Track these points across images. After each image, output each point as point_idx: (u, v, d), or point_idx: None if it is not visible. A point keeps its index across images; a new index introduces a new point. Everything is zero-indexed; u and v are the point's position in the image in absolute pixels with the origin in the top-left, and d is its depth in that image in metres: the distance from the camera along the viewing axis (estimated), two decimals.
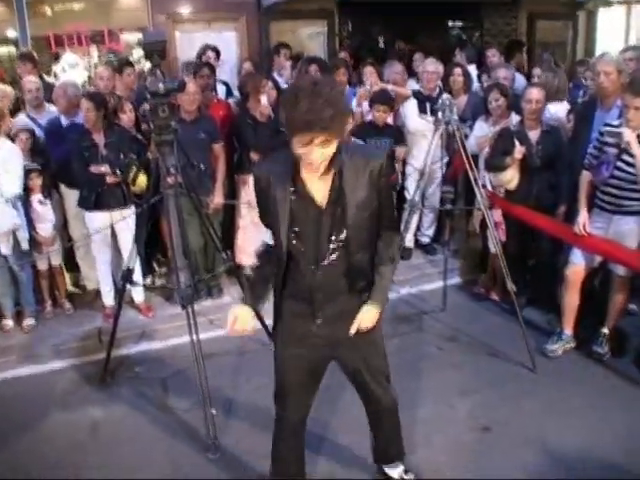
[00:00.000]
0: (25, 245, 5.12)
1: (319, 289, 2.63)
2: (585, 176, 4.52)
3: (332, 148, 2.36)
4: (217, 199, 5.44)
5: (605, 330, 4.60)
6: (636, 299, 5.12)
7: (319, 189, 2.51)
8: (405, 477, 3.34)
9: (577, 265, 4.58)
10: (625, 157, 4.17)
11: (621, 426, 3.85)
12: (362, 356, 2.89)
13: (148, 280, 5.85)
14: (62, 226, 5.52)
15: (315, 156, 2.32)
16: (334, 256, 2.58)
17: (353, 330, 2.68)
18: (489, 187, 5.28)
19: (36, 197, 5.14)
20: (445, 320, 5.26)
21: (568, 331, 4.71)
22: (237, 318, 2.70)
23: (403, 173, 6.26)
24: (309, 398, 2.98)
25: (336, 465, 3.56)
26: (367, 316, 2.70)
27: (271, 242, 2.70)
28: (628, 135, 4.08)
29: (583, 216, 4.46)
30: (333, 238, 2.55)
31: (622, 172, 4.21)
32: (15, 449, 3.85)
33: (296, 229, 2.55)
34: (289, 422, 3.00)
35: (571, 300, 4.65)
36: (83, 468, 3.67)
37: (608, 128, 4.29)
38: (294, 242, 2.57)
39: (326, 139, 2.28)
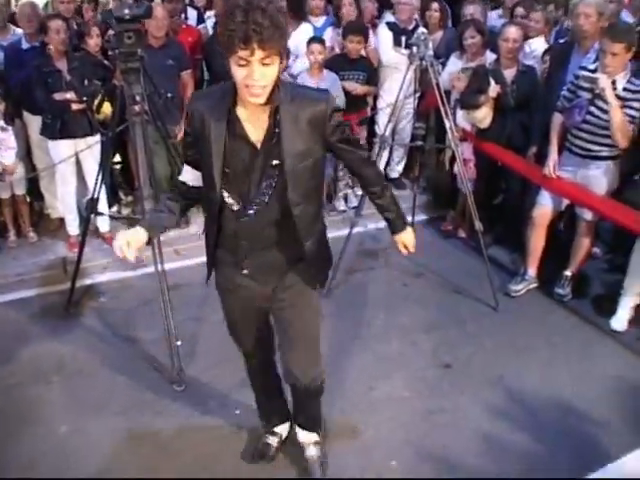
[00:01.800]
0: None
1: (244, 237, 2.45)
2: (557, 118, 4.51)
3: (273, 70, 2.12)
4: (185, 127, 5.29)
5: (568, 272, 4.68)
6: (599, 243, 5.21)
7: (255, 127, 2.29)
8: (309, 451, 3.14)
9: (544, 207, 4.61)
10: (598, 103, 4.15)
11: (577, 365, 3.97)
12: (296, 317, 2.67)
13: (114, 209, 5.76)
14: (25, 154, 5.37)
15: (256, 76, 2.08)
16: (262, 203, 2.37)
17: (405, 250, 2.87)
18: (460, 124, 5.25)
19: None
20: (412, 256, 5.13)
21: (532, 272, 4.78)
22: (129, 242, 2.43)
23: (374, 107, 6.18)
24: (264, 342, 2.88)
25: None
26: (409, 237, 2.84)
27: (191, 182, 2.53)
28: (603, 82, 4.04)
29: (553, 158, 4.47)
30: (264, 184, 2.34)
31: (594, 117, 4.20)
32: None
33: (227, 170, 2.34)
34: (251, 363, 2.99)
35: (536, 241, 4.70)
36: (47, 401, 3.66)
37: (584, 72, 4.24)
38: (224, 184, 2.37)
39: (266, 55, 2.05)
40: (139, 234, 2.47)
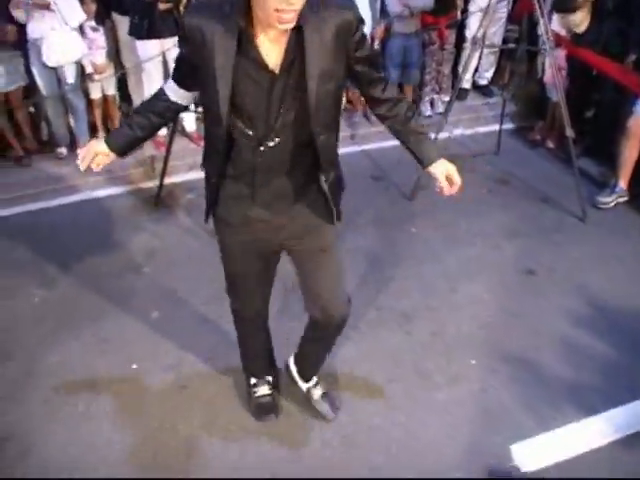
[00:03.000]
0: (90, 69, 5.13)
1: (261, 168, 2.15)
2: None
3: None
4: None
5: None
6: None
7: (273, 49, 1.94)
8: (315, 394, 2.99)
9: None
10: None
11: None
12: (315, 247, 2.42)
13: (200, 109, 5.80)
14: (115, 55, 5.45)
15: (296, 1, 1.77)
16: (282, 136, 2.08)
17: (448, 186, 2.23)
18: (555, 29, 5.02)
19: (89, 24, 5.03)
20: (498, 163, 5.23)
21: (622, 184, 4.63)
22: (85, 155, 2.35)
23: (464, 11, 5.96)
24: (263, 291, 2.64)
25: None
26: (452, 167, 2.25)
27: (173, 98, 2.26)
28: None
29: None
30: (282, 111, 2.03)
31: None
32: (76, 272, 3.98)
33: (239, 99, 2.00)
34: (244, 316, 2.75)
35: (630, 153, 4.53)
36: (139, 289, 3.83)
37: None
38: (234, 116, 2.04)
39: None
40: (98, 146, 2.34)
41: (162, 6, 4.83)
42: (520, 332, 3.47)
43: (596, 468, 2.73)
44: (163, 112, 2.30)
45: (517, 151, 5.49)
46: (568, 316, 3.58)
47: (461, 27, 5.99)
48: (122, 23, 5.26)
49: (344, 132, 5.54)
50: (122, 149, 2.36)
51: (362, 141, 5.51)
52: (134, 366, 3.26)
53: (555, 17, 5.04)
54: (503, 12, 5.42)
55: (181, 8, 4.85)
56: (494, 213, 4.54)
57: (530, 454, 2.80)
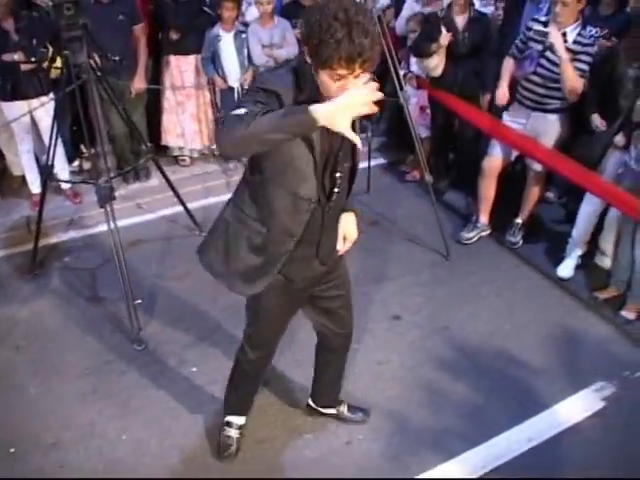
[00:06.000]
0: None
1: (325, 228, 2.46)
2: (508, 62, 4.55)
3: (364, 78, 2.02)
4: (138, 84, 5.31)
5: (519, 220, 4.81)
6: (553, 187, 5.32)
7: None
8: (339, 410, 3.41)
9: (494, 158, 4.70)
10: (549, 55, 4.19)
11: (522, 315, 4.13)
12: (339, 284, 2.78)
13: (75, 163, 5.78)
14: None
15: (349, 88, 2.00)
16: (338, 190, 2.36)
17: (341, 247, 2.58)
18: (415, 71, 5.28)
19: None
20: (369, 203, 5.33)
21: (483, 219, 4.91)
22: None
23: None
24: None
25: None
26: (351, 227, 2.62)
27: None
28: (553, 36, 4.07)
29: (503, 88, 4.55)
30: (339, 169, 2.32)
31: (545, 70, 4.25)
32: None
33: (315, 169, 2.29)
34: (265, 364, 3.00)
35: (487, 190, 4.81)
36: (17, 364, 3.77)
37: (535, 26, 4.27)
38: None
39: (363, 71, 2.02)
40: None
41: (25, 67, 4.76)
42: (386, 381, 3.62)
43: None
44: None
45: (388, 188, 5.67)
46: (430, 360, 3.76)
47: None
48: None
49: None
50: None
51: None
52: (12, 450, 3.23)
53: (414, 60, 5.29)
54: None
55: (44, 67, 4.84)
56: (363, 256, 4.58)
57: None
